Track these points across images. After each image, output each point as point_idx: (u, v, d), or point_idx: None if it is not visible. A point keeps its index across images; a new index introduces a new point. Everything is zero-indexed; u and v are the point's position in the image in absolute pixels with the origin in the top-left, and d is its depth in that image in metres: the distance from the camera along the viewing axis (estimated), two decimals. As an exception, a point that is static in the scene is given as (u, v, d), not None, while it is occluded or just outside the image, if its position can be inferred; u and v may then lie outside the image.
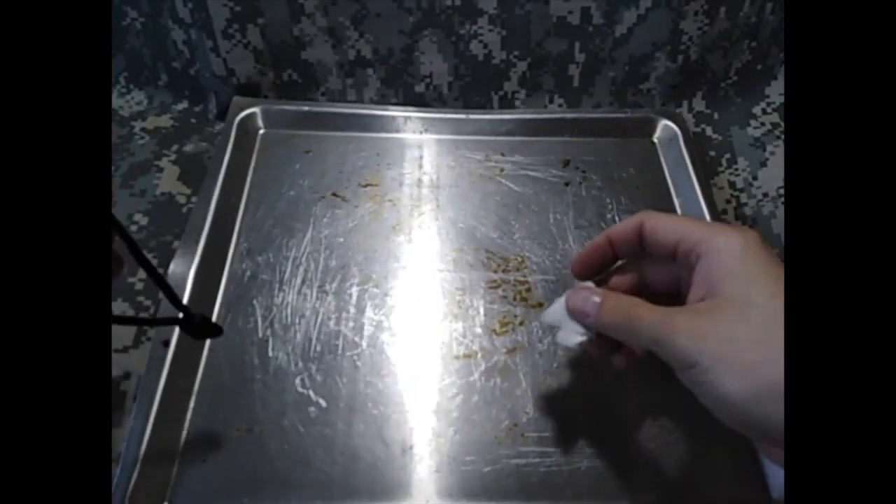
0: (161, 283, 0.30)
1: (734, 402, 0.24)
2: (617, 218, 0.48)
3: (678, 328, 0.25)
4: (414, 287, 0.44)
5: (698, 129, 0.56)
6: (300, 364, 0.39)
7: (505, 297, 0.43)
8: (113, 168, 0.49)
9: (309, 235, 0.46)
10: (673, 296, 0.31)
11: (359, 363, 0.40)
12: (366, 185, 0.50)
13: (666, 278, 0.31)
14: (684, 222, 0.29)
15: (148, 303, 0.42)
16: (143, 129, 0.53)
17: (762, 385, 0.23)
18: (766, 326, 0.23)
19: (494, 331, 0.41)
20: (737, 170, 0.53)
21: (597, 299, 0.29)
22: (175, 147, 0.52)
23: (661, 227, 0.29)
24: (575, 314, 0.31)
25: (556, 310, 0.35)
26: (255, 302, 0.42)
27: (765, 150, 0.52)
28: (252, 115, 0.53)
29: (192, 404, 0.37)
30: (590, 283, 0.33)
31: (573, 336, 0.33)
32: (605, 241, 0.32)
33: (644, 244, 0.31)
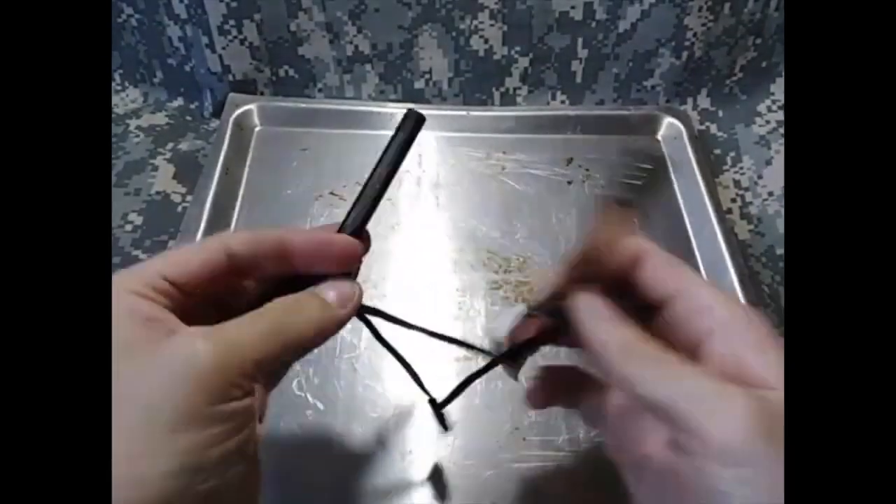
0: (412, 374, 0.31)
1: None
2: (620, 217, 0.48)
3: (737, 411, 0.20)
4: (413, 288, 0.43)
5: (703, 127, 0.55)
6: (297, 366, 0.38)
7: (507, 298, 0.43)
8: (107, 166, 0.48)
9: (306, 235, 0.45)
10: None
11: (357, 366, 0.39)
12: (364, 184, 0.49)
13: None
14: (689, 277, 0.24)
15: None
16: (137, 127, 0.53)
17: None
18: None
19: (496, 332, 0.41)
20: (742, 168, 0.52)
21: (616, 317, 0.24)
22: (170, 145, 0.51)
23: (669, 272, 0.24)
24: (579, 312, 0.26)
25: (501, 326, 0.35)
26: (251, 303, 0.41)
27: (770, 149, 0.52)
28: (248, 112, 0.52)
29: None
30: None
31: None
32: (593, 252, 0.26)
33: (616, 272, 0.26)
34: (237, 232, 0.27)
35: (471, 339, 0.40)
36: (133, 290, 0.21)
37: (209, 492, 0.19)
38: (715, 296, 0.23)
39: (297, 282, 0.25)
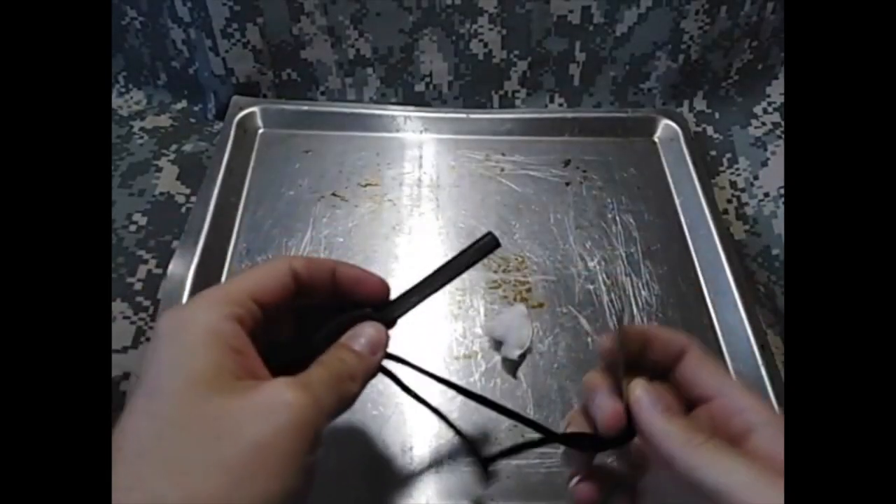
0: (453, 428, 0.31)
1: None
2: (618, 218, 0.48)
3: None
4: (414, 287, 0.43)
5: (699, 129, 0.56)
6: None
7: (505, 297, 0.43)
8: (112, 168, 0.49)
9: (308, 235, 0.46)
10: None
11: (358, 364, 0.39)
12: (365, 185, 0.50)
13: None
14: (734, 381, 0.27)
15: (147, 303, 0.41)
16: (142, 129, 0.53)
17: None
18: None
19: (495, 331, 0.41)
20: (738, 169, 0.53)
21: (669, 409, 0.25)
22: (174, 147, 0.52)
23: (710, 373, 0.26)
24: (638, 404, 0.26)
25: (500, 325, 0.39)
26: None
27: (766, 150, 0.52)
28: (251, 114, 0.53)
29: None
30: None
31: (515, 350, 0.38)
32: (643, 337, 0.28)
33: (660, 366, 0.28)
34: (296, 257, 0.28)
35: (470, 338, 0.41)
36: (227, 314, 0.22)
37: None
38: (750, 398, 0.25)
39: (329, 308, 0.27)
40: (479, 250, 0.31)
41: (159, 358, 0.21)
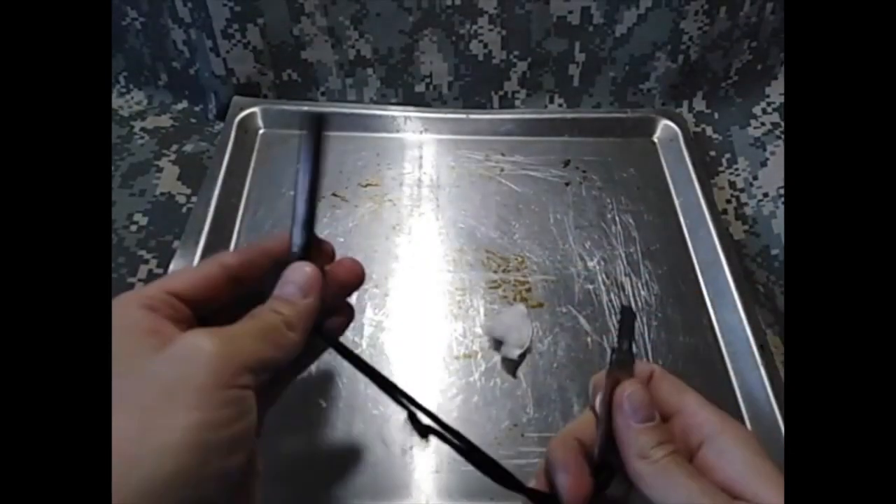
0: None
1: None
2: (617, 218, 0.48)
3: None
4: (414, 287, 0.44)
5: (698, 129, 0.56)
6: (300, 364, 0.39)
7: (505, 297, 0.43)
8: (113, 168, 0.49)
9: (309, 235, 0.46)
10: None
11: (359, 363, 0.39)
12: (366, 185, 0.50)
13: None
14: (693, 395, 0.27)
15: (148, 303, 0.42)
16: (142, 129, 0.53)
17: None
18: None
19: (494, 331, 0.41)
20: (737, 169, 0.53)
21: (649, 417, 0.25)
22: (175, 147, 0.52)
23: (669, 390, 0.27)
24: (620, 406, 0.26)
25: (499, 325, 0.40)
26: (254, 302, 0.42)
27: (765, 150, 0.52)
28: (252, 114, 0.53)
29: (191, 404, 0.37)
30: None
31: (515, 350, 0.39)
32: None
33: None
34: (229, 252, 0.29)
35: (470, 338, 0.41)
36: (138, 304, 0.23)
37: (215, 474, 0.21)
38: (704, 410, 0.26)
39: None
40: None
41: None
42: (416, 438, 0.36)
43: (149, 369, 0.21)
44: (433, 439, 0.28)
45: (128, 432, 0.19)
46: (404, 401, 0.28)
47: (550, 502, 0.26)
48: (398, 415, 0.37)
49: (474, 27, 0.52)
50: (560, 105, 0.57)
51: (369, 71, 0.55)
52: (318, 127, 0.29)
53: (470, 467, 0.35)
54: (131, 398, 0.20)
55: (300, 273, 0.27)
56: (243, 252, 0.28)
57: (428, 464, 0.36)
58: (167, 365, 0.21)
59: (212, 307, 0.26)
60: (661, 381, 0.27)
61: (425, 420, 0.28)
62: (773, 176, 0.51)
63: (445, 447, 0.36)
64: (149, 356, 0.22)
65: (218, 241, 0.45)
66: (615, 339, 0.29)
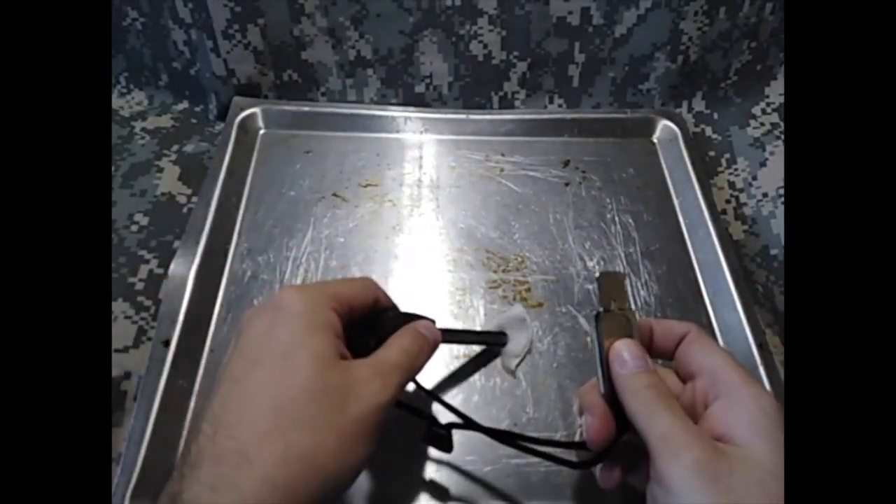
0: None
1: None
2: (617, 218, 0.48)
3: (687, 459, 0.23)
4: (414, 287, 0.44)
5: (698, 130, 0.56)
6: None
7: (505, 297, 0.43)
8: (113, 168, 0.49)
9: (309, 235, 0.46)
10: None
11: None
12: (366, 186, 0.50)
13: None
14: (723, 356, 0.29)
15: (148, 303, 0.42)
16: (143, 129, 0.53)
17: None
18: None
19: (494, 331, 0.41)
20: (736, 170, 0.53)
21: (642, 365, 0.28)
22: (175, 147, 0.52)
23: (700, 350, 0.29)
24: (615, 359, 0.29)
25: (499, 325, 0.41)
26: (255, 302, 0.42)
27: (764, 150, 0.52)
28: (252, 115, 0.53)
29: (192, 404, 0.38)
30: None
31: (513, 360, 0.40)
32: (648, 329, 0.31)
33: (664, 351, 0.31)
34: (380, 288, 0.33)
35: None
36: (328, 304, 0.28)
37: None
38: (729, 371, 0.28)
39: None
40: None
41: (283, 329, 0.27)
42: (415, 438, 0.36)
43: (344, 393, 0.26)
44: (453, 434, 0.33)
45: (332, 445, 0.25)
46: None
47: (577, 446, 0.30)
48: (398, 414, 0.37)
49: (474, 28, 0.52)
50: (560, 105, 0.57)
51: (369, 71, 0.55)
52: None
53: (471, 467, 0.35)
54: (334, 417, 0.25)
55: (427, 323, 0.33)
56: (383, 295, 0.32)
57: (428, 463, 0.36)
58: (359, 397, 0.26)
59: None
60: (694, 341, 0.29)
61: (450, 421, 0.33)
62: (772, 176, 0.51)
63: (442, 453, 0.36)
64: (343, 375, 0.26)
65: (218, 241, 0.45)
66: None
